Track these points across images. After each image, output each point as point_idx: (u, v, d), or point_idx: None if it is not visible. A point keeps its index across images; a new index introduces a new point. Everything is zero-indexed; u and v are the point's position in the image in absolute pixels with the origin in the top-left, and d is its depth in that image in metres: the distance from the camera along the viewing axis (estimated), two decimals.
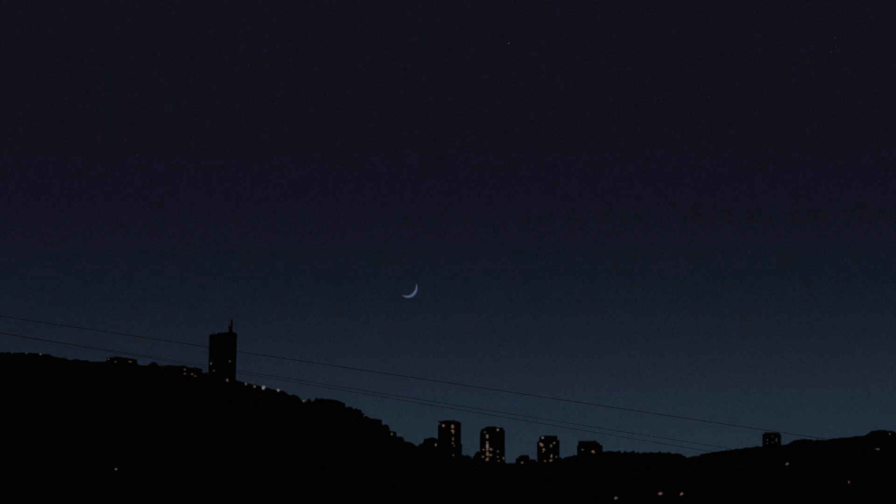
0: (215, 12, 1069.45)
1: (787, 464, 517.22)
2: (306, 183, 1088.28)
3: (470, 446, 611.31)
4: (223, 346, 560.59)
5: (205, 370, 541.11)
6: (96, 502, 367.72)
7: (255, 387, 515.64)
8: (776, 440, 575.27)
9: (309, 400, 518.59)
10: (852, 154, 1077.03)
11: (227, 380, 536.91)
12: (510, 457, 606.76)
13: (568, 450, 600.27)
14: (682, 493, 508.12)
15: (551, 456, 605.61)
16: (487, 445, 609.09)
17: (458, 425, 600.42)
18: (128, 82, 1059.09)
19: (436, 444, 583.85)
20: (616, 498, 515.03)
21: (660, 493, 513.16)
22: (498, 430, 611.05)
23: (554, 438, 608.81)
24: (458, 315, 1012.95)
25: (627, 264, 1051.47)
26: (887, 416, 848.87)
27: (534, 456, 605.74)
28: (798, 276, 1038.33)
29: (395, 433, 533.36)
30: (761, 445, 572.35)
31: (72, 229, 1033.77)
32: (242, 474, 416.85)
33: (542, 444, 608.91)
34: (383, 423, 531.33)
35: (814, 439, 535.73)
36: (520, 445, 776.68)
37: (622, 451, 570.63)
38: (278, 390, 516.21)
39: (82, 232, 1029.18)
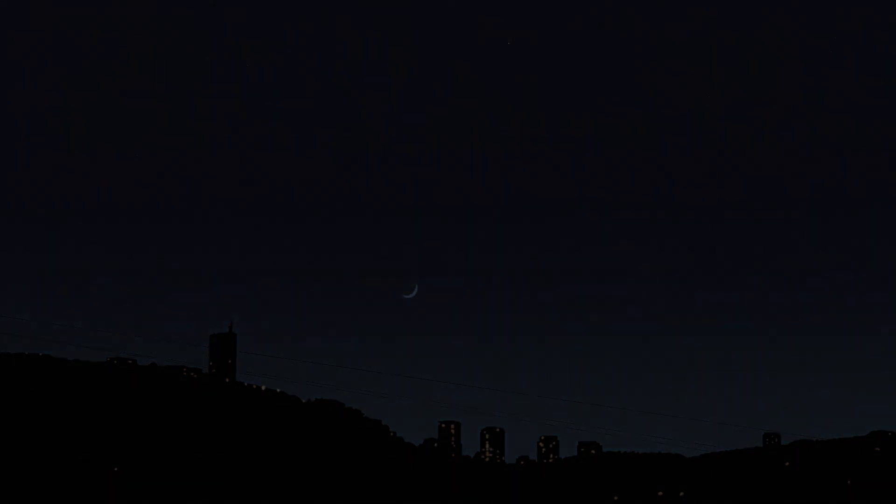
0: (213, 12, 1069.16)
1: (787, 464, 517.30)
2: (306, 182, 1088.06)
3: (470, 446, 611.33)
4: (223, 346, 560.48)
5: (205, 370, 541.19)
6: (96, 502, 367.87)
7: (255, 387, 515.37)
8: (776, 440, 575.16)
9: (309, 400, 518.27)
10: (853, 152, 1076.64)
11: (227, 380, 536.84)
12: (510, 457, 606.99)
13: (568, 450, 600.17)
14: (682, 493, 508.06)
15: (551, 456, 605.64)
16: (487, 445, 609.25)
17: (458, 425, 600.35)
18: (126, 78, 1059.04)
19: (436, 444, 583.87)
20: (616, 498, 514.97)
21: (660, 493, 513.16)
22: (498, 430, 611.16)
23: (554, 438, 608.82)
24: (458, 315, 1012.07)
25: (628, 264, 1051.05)
26: (887, 416, 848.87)
27: (534, 456, 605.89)
28: (798, 276, 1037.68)
29: (395, 433, 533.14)
30: (761, 445, 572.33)
31: (72, 229, 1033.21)
32: (242, 474, 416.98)
33: (542, 444, 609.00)
34: (383, 423, 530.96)
35: (814, 439, 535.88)
36: (520, 445, 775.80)
37: (622, 451, 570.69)
38: (278, 390, 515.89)
39: (82, 231, 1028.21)
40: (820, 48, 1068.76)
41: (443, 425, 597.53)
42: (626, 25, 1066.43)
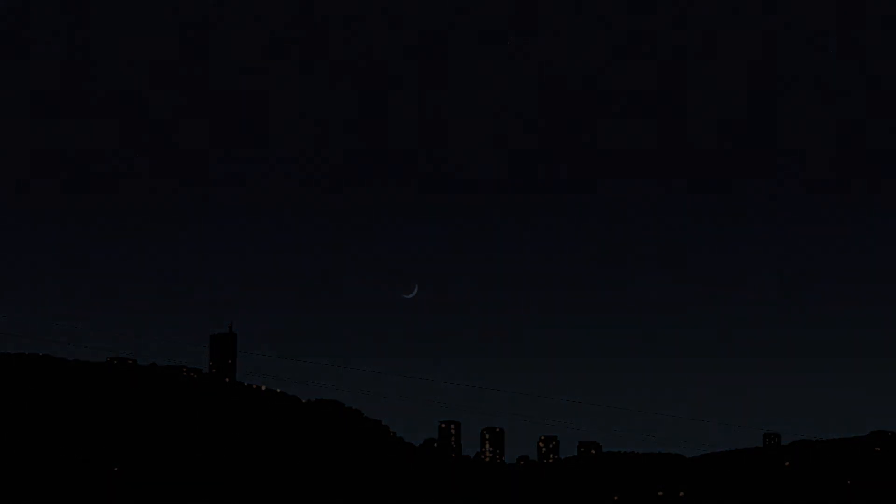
0: (212, 11, 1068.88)
1: (787, 464, 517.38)
2: (306, 182, 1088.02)
3: (470, 446, 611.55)
4: (223, 346, 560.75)
5: (205, 370, 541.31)
6: (96, 502, 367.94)
7: (255, 387, 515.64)
8: (776, 440, 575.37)
9: (309, 400, 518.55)
10: (851, 150, 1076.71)
11: (227, 380, 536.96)
12: (510, 457, 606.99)
13: (568, 450, 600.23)
14: (682, 493, 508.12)
15: (551, 456, 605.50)
16: (487, 445, 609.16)
17: (458, 425, 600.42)
18: (127, 77, 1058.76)
19: (436, 444, 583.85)
20: (616, 498, 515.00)
21: (660, 493, 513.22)
22: (498, 430, 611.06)
23: (554, 438, 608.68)
24: (458, 315, 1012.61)
25: (627, 263, 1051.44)
26: (887, 416, 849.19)
27: (534, 456, 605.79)
28: (798, 275, 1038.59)
29: (395, 433, 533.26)
30: (761, 445, 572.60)
31: (71, 229, 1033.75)
32: (242, 474, 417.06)
33: (542, 444, 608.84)
34: (383, 423, 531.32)
35: (814, 439, 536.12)
36: (520, 445, 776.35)
37: (622, 451, 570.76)
38: (278, 390, 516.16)
39: (82, 231, 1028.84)
40: (824, 49, 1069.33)
41: (443, 425, 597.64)
42: (626, 24, 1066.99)
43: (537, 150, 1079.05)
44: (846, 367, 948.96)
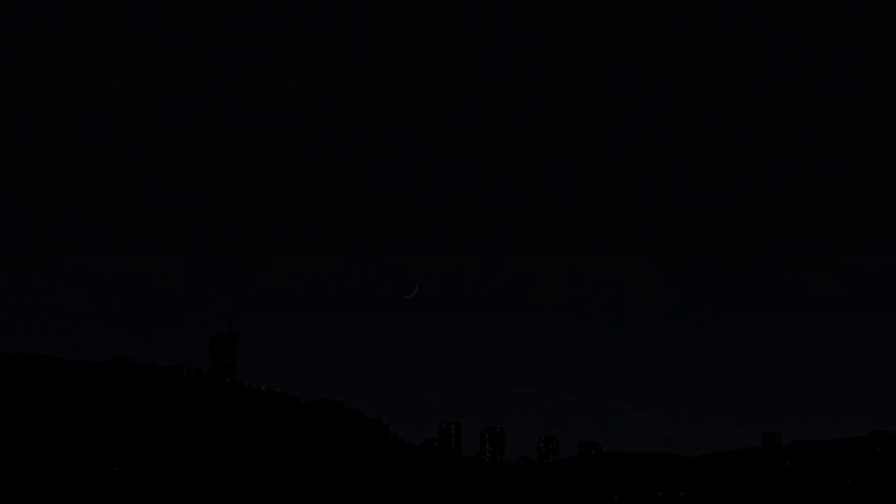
0: (211, 11, 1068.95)
1: (787, 464, 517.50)
2: (306, 182, 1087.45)
3: (470, 446, 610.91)
4: (223, 346, 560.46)
5: (205, 370, 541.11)
6: (96, 502, 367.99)
7: (255, 387, 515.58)
8: (776, 440, 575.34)
9: (309, 400, 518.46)
10: (852, 150, 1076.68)
11: (227, 380, 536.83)
12: (510, 457, 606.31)
13: (568, 450, 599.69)
14: (682, 493, 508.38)
15: (551, 456, 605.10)
16: (487, 445, 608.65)
17: (458, 425, 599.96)
18: (133, 75, 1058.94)
19: (436, 444, 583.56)
20: (616, 498, 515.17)
21: (660, 493, 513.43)
22: (498, 430, 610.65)
23: (554, 438, 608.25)
24: (457, 315, 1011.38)
25: (627, 263, 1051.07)
26: (887, 416, 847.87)
27: (534, 456, 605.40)
28: (798, 274, 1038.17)
29: (395, 433, 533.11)
30: (761, 445, 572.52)
31: (71, 228, 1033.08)
32: (242, 474, 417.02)
33: (542, 444, 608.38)
34: (383, 423, 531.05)
35: (814, 439, 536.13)
36: (520, 445, 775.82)
37: (622, 451, 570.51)
38: (278, 390, 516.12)
39: (82, 231, 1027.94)
40: (824, 48, 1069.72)
41: (443, 425, 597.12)
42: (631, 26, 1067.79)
43: (538, 148, 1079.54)
44: (846, 367, 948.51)
